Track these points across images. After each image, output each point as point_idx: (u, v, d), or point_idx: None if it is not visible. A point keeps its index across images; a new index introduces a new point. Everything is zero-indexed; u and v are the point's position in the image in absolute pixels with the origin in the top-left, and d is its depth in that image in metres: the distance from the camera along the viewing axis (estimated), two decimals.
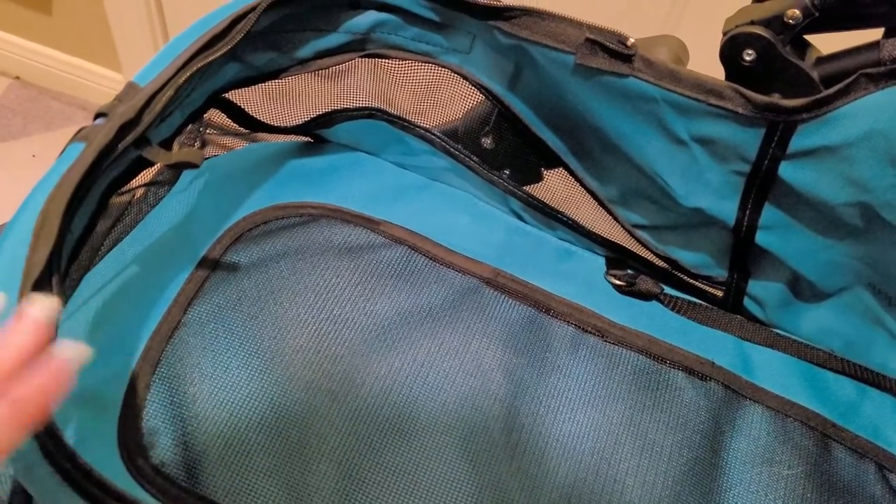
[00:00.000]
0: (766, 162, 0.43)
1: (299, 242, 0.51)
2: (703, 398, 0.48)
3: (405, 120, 0.53)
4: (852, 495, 0.46)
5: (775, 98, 0.41)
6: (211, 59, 0.39)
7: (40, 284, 0.29)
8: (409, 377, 0.46)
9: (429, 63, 0.49)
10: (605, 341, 0.50)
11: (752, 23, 0.41)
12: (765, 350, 0.51)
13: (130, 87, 0.37)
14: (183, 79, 0.37)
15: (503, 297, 0.51)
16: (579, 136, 0.48)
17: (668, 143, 0.45)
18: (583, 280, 0.53)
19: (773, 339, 0.52)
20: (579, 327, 0.50)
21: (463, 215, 0.56)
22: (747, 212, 0.46)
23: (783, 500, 0.45)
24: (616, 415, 0.47)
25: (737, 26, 0.42)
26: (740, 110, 0.41)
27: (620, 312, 0.51)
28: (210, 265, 0.49)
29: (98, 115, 0.36)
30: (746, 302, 0.52)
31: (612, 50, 0.42)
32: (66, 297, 0.40)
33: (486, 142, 0.53)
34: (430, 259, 0.52)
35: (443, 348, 0.48)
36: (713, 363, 0.49)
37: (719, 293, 0.53)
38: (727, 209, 0.47)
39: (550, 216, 0.54)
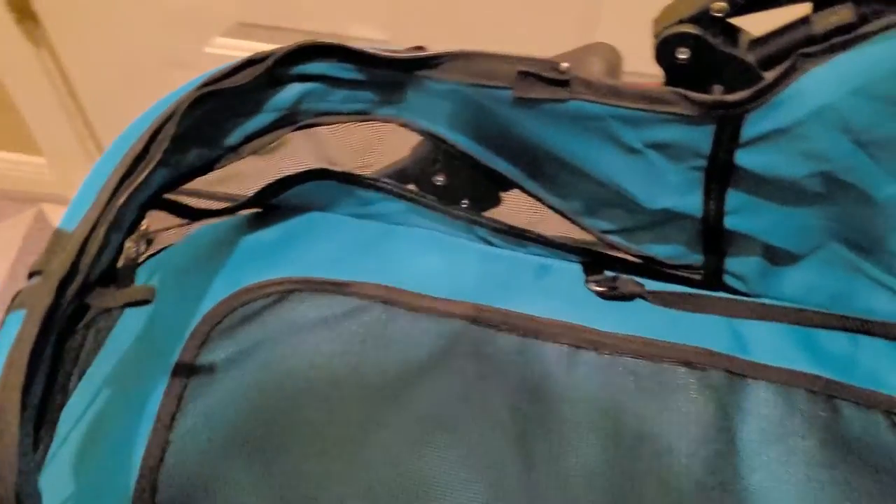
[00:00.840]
0: (722, 154, 0.43)
1: (273, 326, 0.50)
2: (707, 389, 0.48)
3: (351, 175, 0.51)
4: (867, 448, 0.47)
5: (717, 93, 0.41)
6: (137, 182, 0.37)
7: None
8: (416, 440, 0.45)
9: (365, 120, 0.47)
10: (601, 354, 0.49)
11: (681, 21, 0.40)
12: (755, 323, 0.52)
13: (59, 236, 0.35)
14: (112, 216, 0.35)
15: (491, 332, 0.50)
16: (532, 160, 0.47)
17: (622, 155, 0.44)
18: (565, 294, 0.53)
19: (760, 311, 0.52)
20: (572, 345, 0.50)
21: (432, 255, 0.54)
22: (711, 202, 0.46)
23: (805, 471, 0.46)
24: (626, 429, 0.47)
25: (665, 28, 0.41)
26: (687, 113, 0.40)
27: (609, 319, 0.51)
28: (186, 372, 0.47)
29: (32, 274, 0.34)
30: (727, 279, 0.52)
31: (548, 78, 0.40)
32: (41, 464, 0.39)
33: (439, 179, 0.51)
34: (410, 310, 0.51)
35: (443, 401, 0.47)
36: (711, 351, 0.49)
37: (699, 277, 0.53)
38: (692, 203, 0.46)
39: (518, 236, 0.53)
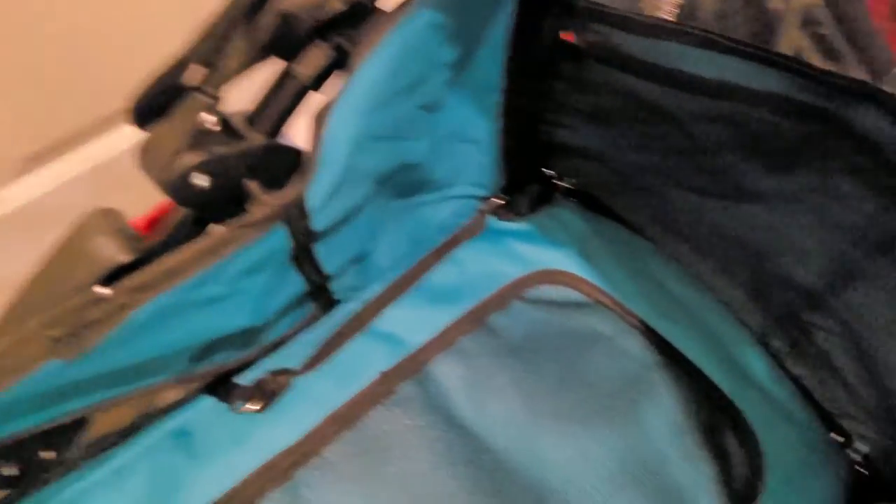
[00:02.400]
0: (300, 236, 0.38)
1: None
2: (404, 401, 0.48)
3: None
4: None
5: (261, 195, 0.34)
6: None
7: None
8: None
9: None
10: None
11: (179, 152, 0.32)
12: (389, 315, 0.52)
13: None
14: None
15: None
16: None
17: (219, 307, 0.36)
18: (234, 440, 0.44)
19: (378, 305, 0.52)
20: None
21: None
22: (306, 269, 0.42)
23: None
24: None
25: (167, 169, 0.32)
26: (255, 235, 0.34)
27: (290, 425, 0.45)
28: None
29: None
30: (339, 297, 0.50)
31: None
32: None
33: None
34: None
35: None
36: (384, 373, 0.48)
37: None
38: (294, 285, 0.41)
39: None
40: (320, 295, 0.47)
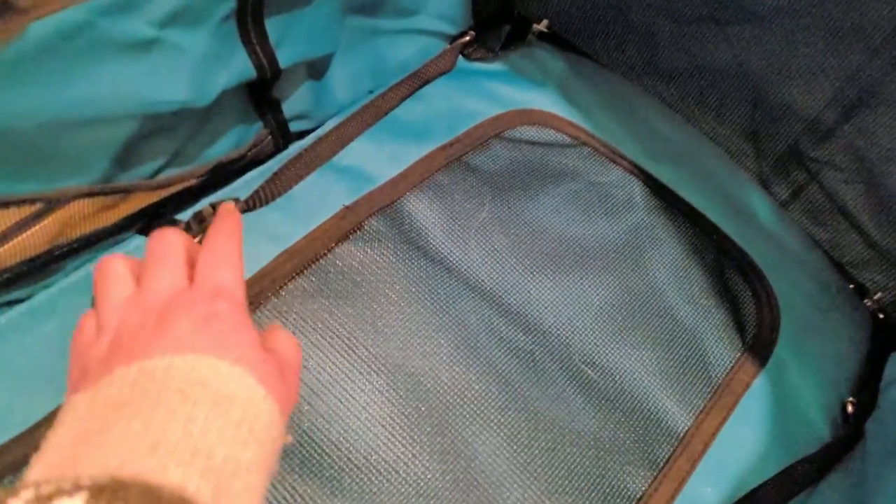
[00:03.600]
0: None
1: None
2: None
3: None
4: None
5: None
6: None
7: None
8: None
9: None
10: None
11: None
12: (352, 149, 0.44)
13: None
14: None
15: None
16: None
17: (134, 60, 0.28)
18: None
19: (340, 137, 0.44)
20: None
21: None
22: (256, 46, 0.34)
23: None
24: None
25: None
26: None
27: None
28: None
29: None
30: (293, 126, 0.43)
31: None
32: None
33: None
34: None
35: None
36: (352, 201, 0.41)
37: (270, 147, 0.42)
38: (240, 66, 0.33)
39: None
40: (268, 106, 0.39)
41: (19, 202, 0.30)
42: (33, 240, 0.32)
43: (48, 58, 0.24)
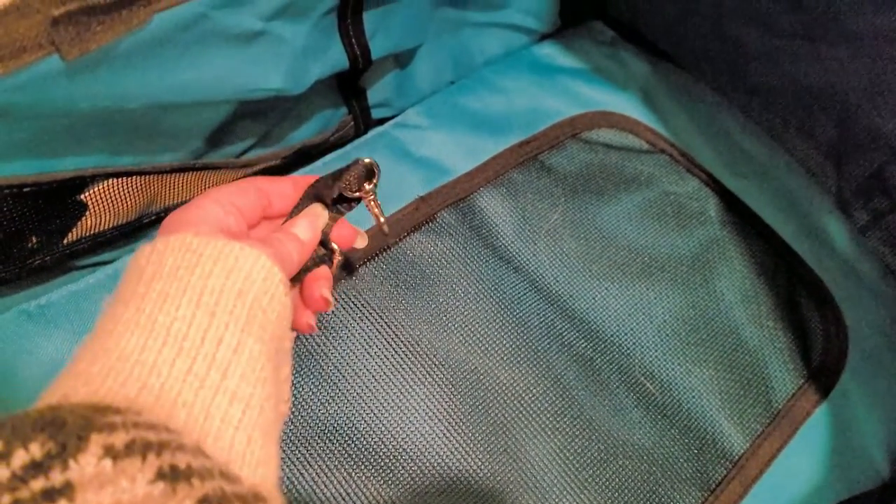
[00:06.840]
0: None
1: None
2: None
3: None
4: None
5: None
6: None
7: None
8: None
9: None
10: None
11: None
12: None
13: None
14: None
15: None
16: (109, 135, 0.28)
17: (238, 51, 0.28)
18: None
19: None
20: None
21: None
22: (352, 39, 0.34)
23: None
24: None
25: None
26: None
27: None
28: None
29: None
30: (375, 113, 0.43)
31: (98, 6, 0.22)
32: None
33: None
34: None
35: None
36: None
37: (351, 132, 0.42)
38: (336, 57, 0.34)
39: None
40: (354, 93, 0.39)
41: (119, 174, 0.31)
42: (126, 208, 0.33)
43: (162, 46, 0.25)
